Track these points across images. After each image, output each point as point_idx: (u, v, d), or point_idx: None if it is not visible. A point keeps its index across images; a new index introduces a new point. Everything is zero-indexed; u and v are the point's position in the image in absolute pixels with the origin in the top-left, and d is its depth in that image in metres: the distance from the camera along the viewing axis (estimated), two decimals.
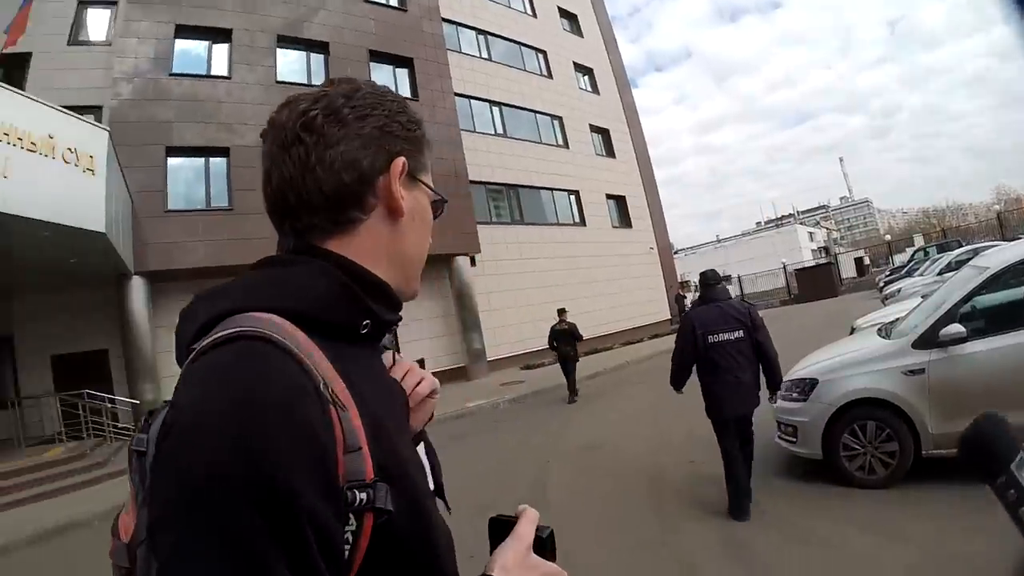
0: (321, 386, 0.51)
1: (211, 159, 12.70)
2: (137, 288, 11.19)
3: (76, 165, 8.09)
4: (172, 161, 12.21)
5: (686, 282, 30.62)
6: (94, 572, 5.00)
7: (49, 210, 7.53)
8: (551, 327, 10.75)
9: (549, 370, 14.46)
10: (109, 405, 10.39)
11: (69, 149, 7.98)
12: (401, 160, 0.67)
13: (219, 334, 0.53)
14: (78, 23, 13.01)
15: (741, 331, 4.11)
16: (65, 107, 9.83)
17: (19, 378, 11.46)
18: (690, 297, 28.68)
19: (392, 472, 0.54)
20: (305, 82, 14.38)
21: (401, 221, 0.67)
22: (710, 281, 4.37)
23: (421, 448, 0.78)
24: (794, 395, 4.47)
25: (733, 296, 4.56)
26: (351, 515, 0.50)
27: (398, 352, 0.84)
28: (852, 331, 7.86)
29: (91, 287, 11.29)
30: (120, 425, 10.56)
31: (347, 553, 0.50)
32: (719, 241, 52.48)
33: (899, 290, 13.56)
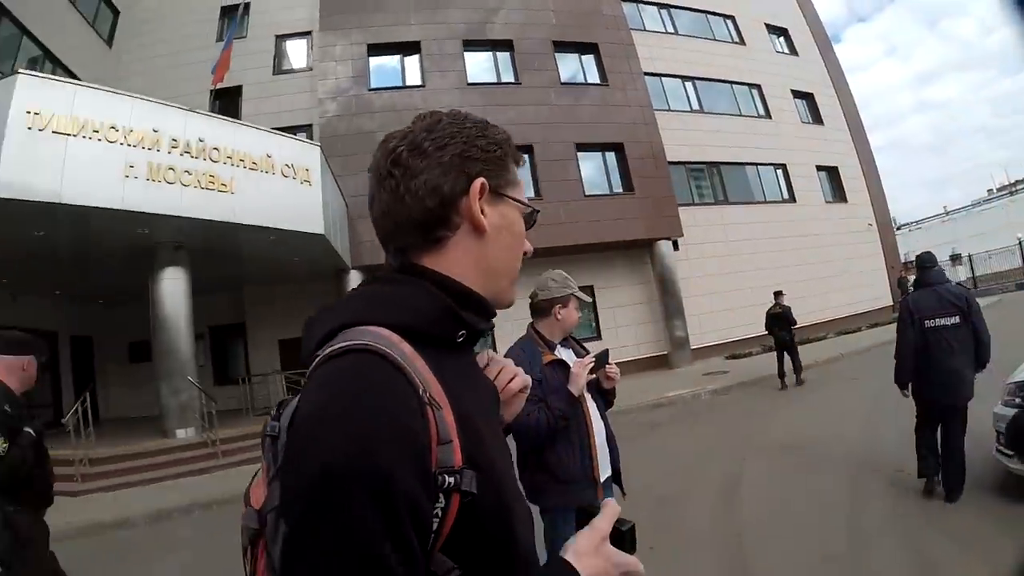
0: (420, 391, 0.61)
1: None
2: (354, 281, 12.44)
3: (294, 178, 9.38)
4: None
5: (910, 263, 26.29)
6: None
7: (272, 217, 8.89)
8: (767, 310, 10.60)
9: (755, 360, 13.34)
10: None
11: (287, 165, 9.26)
12: (480, 181, 0.75)
13: (337, 346, 0.64)
14: (279, 55, 15.35)
15: (958, 316, 3.94)
16: (278, 128, 11.61)
17: (250, 358, 13.65)
18: (912, 279, 24.48)
19: (478, 460, 0.63)
20: (495, 81, 14.85)
21: (486, 236, 0.76)
22: (926, 264, 4.23)
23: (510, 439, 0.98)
24: (1018, 400, 3.49)
25: (951, 281, 4.35)
26: (441, 495, 0.59)
27: (493, 351, 0.96)
28: None
29: (312, 280, 12.97)
30: None
31: (435, 525, 0.59)
32: (947, 213, 44.08)
33: None
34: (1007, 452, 3.63)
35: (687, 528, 4.23)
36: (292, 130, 13.80)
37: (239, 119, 13.46)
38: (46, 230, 8.20)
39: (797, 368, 9.94)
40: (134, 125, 7.87)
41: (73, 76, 13.18)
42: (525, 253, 0.84)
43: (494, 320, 0.78)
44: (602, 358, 2.32)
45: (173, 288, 9.25)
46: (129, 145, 7.78)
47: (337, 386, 0.60)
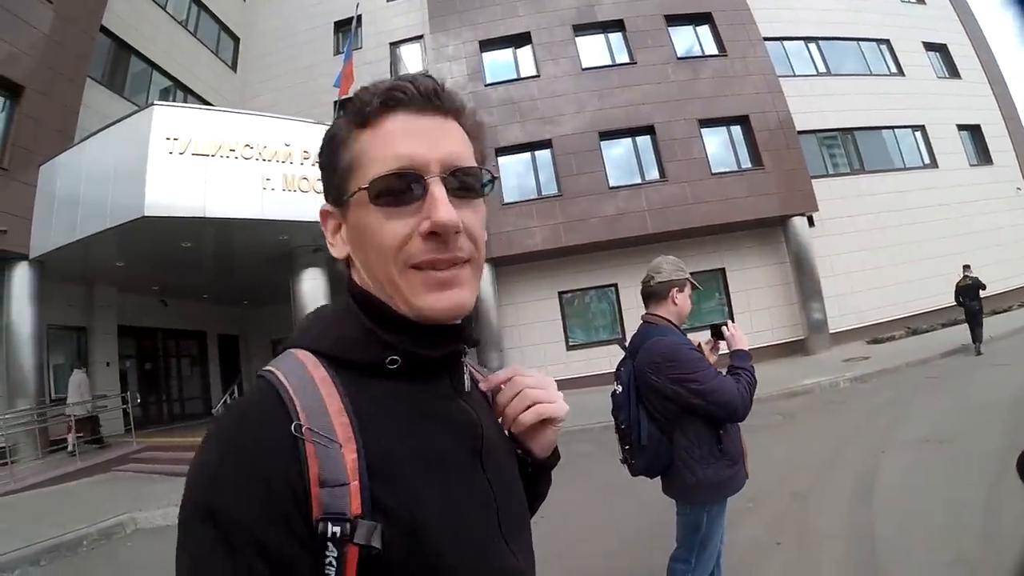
0: (294, 427, 0.53)
1: (536, 152, 13.53)
2: (485, 274, 12.28)
3: None
4: (502, 160, 13.42)
5: None
6: None
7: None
8: (956, 283, 10.99)
9: (899, 345, 12.18)
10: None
11: None
12: (322, 211, 0.71)
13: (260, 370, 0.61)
14: (394, 61, 15.56)
15: None
16: None
17: None
18: None
19: (396, 510, 0.54)
20: (609, 63, 14.17)
21: (354, 249, 0.67)
22: None
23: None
24: None
25: None
26: (331, 544, 0.51)
27: (483, 369, 0.80)
28: None
29: None
30: None
31: None
32: None
33: None
34: None
35: (817, 525, 3.98)
36: None
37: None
38: (192, 241, 8.98)
39: (977, 338, 10.26)
40: (267, 141, 8.40)
41: (205, 102, 13.99)
42: (428, 233, 0.59)
43: (466, 347, 0.67)
44: (717, 329, 2.37)
45: (312, 287, 9.72)
46: (264, 160, 8.35)
47: (223, 415, 0.59)
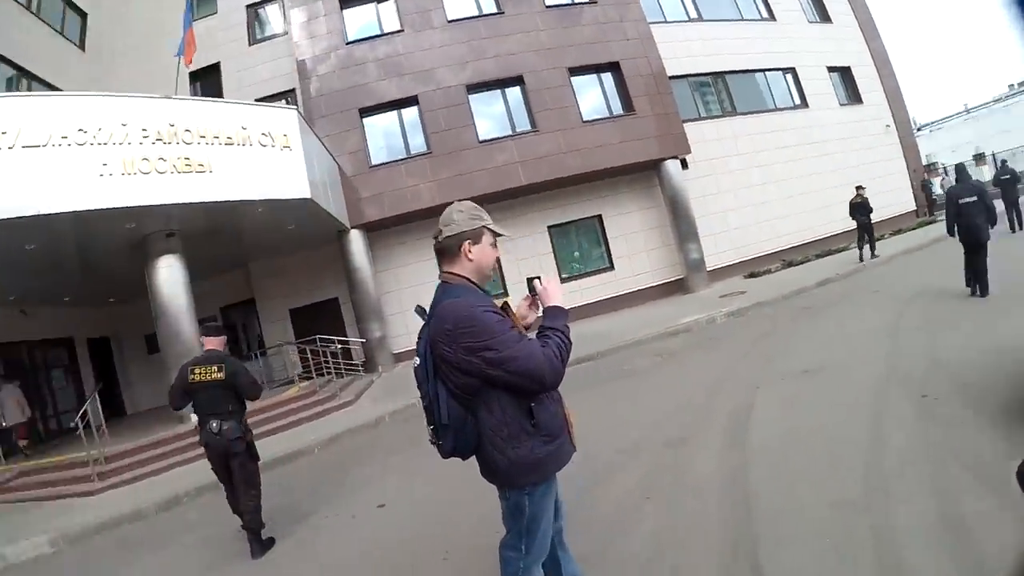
0: None
1: (403, 110, 12.86)
2: (356, 240, 12.04)
3: (272, 146, 8.82)
4: (368, 120, 12.75)
5: (931, 165, 24.50)
6: (301, 497, 5.38)
7: (255, 189, 8.50)
8: (850, 200, 12.19)
9: (774, 278, 12.35)
10: (339, 347, 11.06)
11: (264, 134, 8.72)
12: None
13: None
14: (252, 24, 14.45)
15: (976, 196, 6.73)
16: (261, 98, 11.15)
17: (263, 332, 13.24)
18: (939, 182, 23.02)
19: None
20: (476, 14, 13.47)
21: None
22: (961, 170, 7.63)
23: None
24: None
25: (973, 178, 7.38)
26: None
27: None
28: None
29: (316, 246, 12.49)
30: (351, 363, 11.46)
31: None
32: (968, 111, 40.99)
33: None
34: None
35: (691, 474, 3.69)
36: (276, 97, 13.08)
37: (221, 97, 12.81)
38: (36, 243, 7.99)
39: (872, 246, 11.94)
40: (101, 123, 7.48)
41: (52, 87, 12.61)
42: None
43: None
44: (531, 283, 2.04)
45: (169, 276, 8.83)
46: (99, 144, 7.44)
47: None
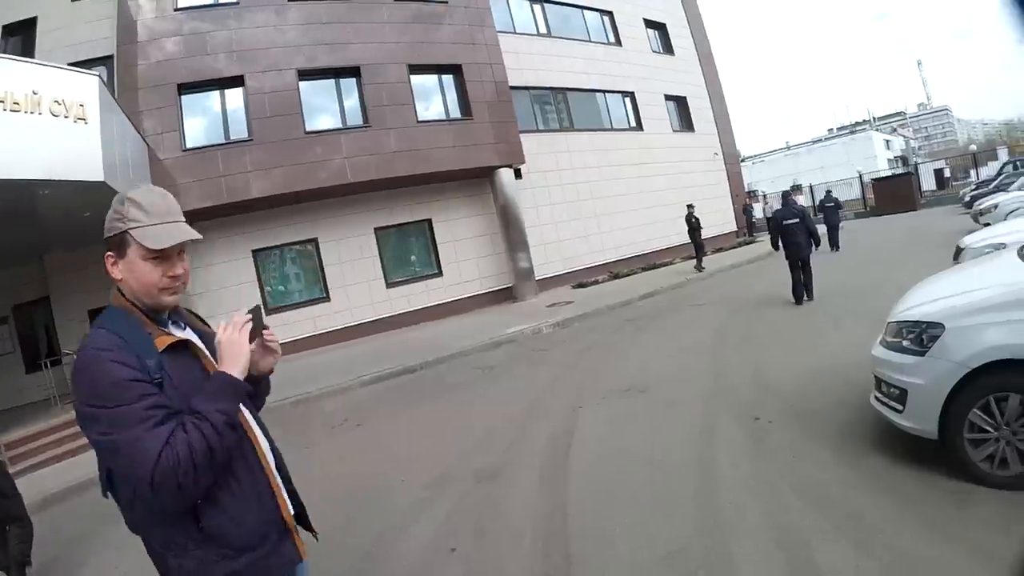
0: None
1: (226, 91, 11.68)
2: None
3: (66, 116, 7.38)
4: (187, 98, 11.43)
5: (753, 192, 27.40)
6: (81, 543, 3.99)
7: (41, 167, 7.02)
8: (685, 216, 13.58)
9: (602, 289, 12.94)
10: None
11: (56, 101, 7.28)
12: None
13: None
14: None
15: (798, 218, 7.96)
16: (75, 62, 9.49)
17: (58, 336, 11.24)
18: (758, 208, 25.77)
19: None
20: None
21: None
22: (787, 194, 8.87)
23: None
24: (905, 344, 2.87)
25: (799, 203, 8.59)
26: None
27: None
28: (958, 252, 6.01)
29: None
30: None
31: None
32: (788, 148, 46.99)
33: (996, 206, 11.50)
34: (886, 402, 3.00)
35: (503, 515, 3.28)
36: (93, 63, 11.17)
37: (32, 57, 10.63)
38: None
39: (699, 260, 13.40)
40: None
41: None
42: None
43: None
44: (258, 316, 1.36)
45: None
46: None
47: None
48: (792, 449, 3.33)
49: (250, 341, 1.30)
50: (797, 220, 7.89)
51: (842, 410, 3.72)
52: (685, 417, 4.21)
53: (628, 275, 14.41)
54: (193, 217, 10.92)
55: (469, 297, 13.08)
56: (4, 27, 11.30)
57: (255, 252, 11.88)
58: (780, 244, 8.12)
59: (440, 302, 12.81)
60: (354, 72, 12.31)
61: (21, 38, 11.50)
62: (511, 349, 8.65)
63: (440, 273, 13.01)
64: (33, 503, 4.44)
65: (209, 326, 1.46)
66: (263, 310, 1.46)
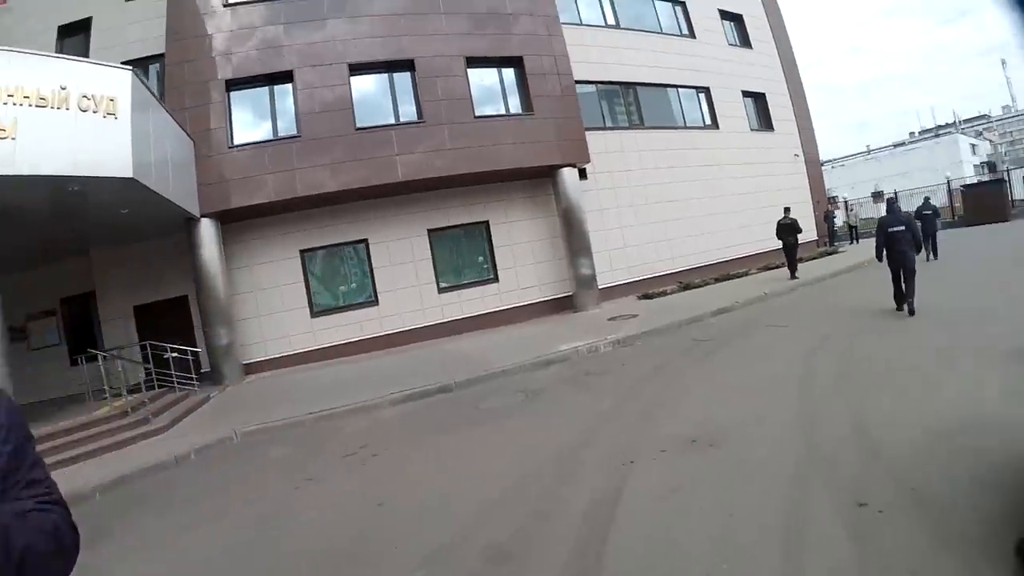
0: None
1: (275, 87, 11.15)
2: (206, 230, 10.27)
3: (95, 112, 7.15)
4: (235, 95, 11.01)
5: (834, 198, 25.02)
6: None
7: (68, 163, 6.78)
8: (777, 221, 12.73)
9: (670, 301, 11.54)
10: (174, 354, 9.29)
11: (85, 96, 7.08)
12: None
13: None
14: None
15: (904, 226, 7.42)
16: (129, 61, 9.41)
17: (102, 331, 11.09)
18: (840, 215, 23.50)
19: None
20: None
21: None
22: (892, 201, 8.16)
23: None
24: None
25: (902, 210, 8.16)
26: None
27: None
28: None
29: (162, 235, 10.60)
30: (188, 374, 9.41)
31: None
32: (869, 152, 43.51)
33: None
34: None
35: None
36: (144, 61, 11.07)
37: (87, 56, 10.57)
38: None
39: (793, 267, 12.31)
40: None
41: None
42: None
43: None
44: None
45: None
46: None
47: None
48: (911, 558, 2.27)
49: None
50: (903, 228, 7.39)
51: (979, 496, 2.59)
52: (765, 494, 3.06)
53: (699, 286, 12.95)
54: (240, 215, 10.49)
55: (526, 305, 11.98)
56: (60, 28, 11.30)
57: (303, 252, 11.27)
58: (883, 254, 7.59)
59: (495, 309, 11.79)
60: (408, 65, 11.52)
61: (78, 38, 11.46)
62: (562, 370, 7.50)
63: (496, 279, 11.98)
64: None
65: None
66: None
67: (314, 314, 11.16)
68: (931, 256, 12.34)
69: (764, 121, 17.56)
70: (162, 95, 10.24)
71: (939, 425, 3.55)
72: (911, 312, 7.03)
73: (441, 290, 11.66)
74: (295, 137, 10.75)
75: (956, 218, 22.32)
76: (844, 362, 5.52)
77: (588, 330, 9.57)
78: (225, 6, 11.23)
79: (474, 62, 11.91)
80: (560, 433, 4.80)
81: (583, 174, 12.33)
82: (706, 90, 15.82)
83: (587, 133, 12.41)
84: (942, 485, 2.79)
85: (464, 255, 12.12)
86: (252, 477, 5.21)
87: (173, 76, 10.66)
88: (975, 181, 26.95)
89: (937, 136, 47.78)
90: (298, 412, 7.10)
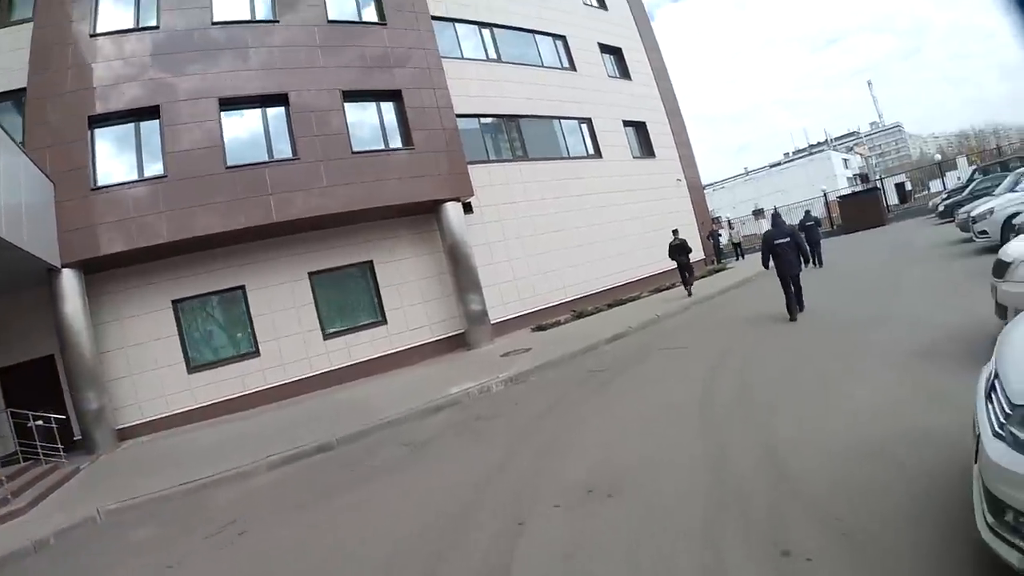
0: None
1: (141, 123, 10.30)
2: (68, 282, 9.22)
3: None
4: (99, 131, 10.05)
5: (718, 218, 26.96)
6: None
7: None
8: (669, 243, 13.41)
9: (564, 331, 11.68)
10: (37, 422, 8.18)
11: None
12: None
13: None
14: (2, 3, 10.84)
15: (788, 238, 8.26)
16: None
17: None
18: (724, 234, 25.29)
19: None
20: (249, 18, 11.46)
21: None
22: (777, 215, 8.97)
23: None
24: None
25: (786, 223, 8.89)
26: None
27: None
28: (1002, 267, 4.61)
29: (19, 288, 9.37)
30: (53, 444, 8.26)
31: None
32: (747, 173, 47.61)
33: (991, 211, 10.72)
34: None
35: None
36: (9, 96, 9.78)
37: None
38: None
39: (689, 283, 13.05)
40: None
41: None
42: None
43: None
44: None
45: None
46: None
47: None
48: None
49: None
50: (787, 239, 8.23)
51: (916, 532, 2.39)
52: (673, 551, 2.74)
53: (593, 313, 13.26)
54: (106, 264, 9.44)
55: (417, 346, 11.67)
56: None
57: (175, 302, 10.34)
58: (771, 263, 8.37)
59: (385, 353, 11.36)
60: (282, 100, 11.03)
61: None
62: (451, 415, 7.16)
63: (384, 321, 11.58)
64: None
65: None
66: None
67: (191, 370, 10.21)
68: (816, 264, 13.42)
69: (646, 149, 18.56)
70: (24, 132, 9.21)
71: (858, 444, 3.38)
72: (792, 318, 7.83)
73: (327, 336, 11.09)
74: (162, 177, 9.91)
75: (835, 227, 24.70)
76: (746, 379, 5.49)
77: (481, 369, 9.38)
78: (92, 36, 10.27)
79: (351, 96, 11.61)
80: (444, 494, 4.39)
81: (468, 208, 12.31)
82: (588, 120, 16.48)
83: (471, 166, 12.45)
84: (872, 522, 2.55)
85: (349, 297, 11.63)
86: (113, 567, 4.53)
87: (34, 111, 9.55)
88: (850, 192, 29.90)
89: (811, 154, 53.15)
90: (167, 484, 6.32)
